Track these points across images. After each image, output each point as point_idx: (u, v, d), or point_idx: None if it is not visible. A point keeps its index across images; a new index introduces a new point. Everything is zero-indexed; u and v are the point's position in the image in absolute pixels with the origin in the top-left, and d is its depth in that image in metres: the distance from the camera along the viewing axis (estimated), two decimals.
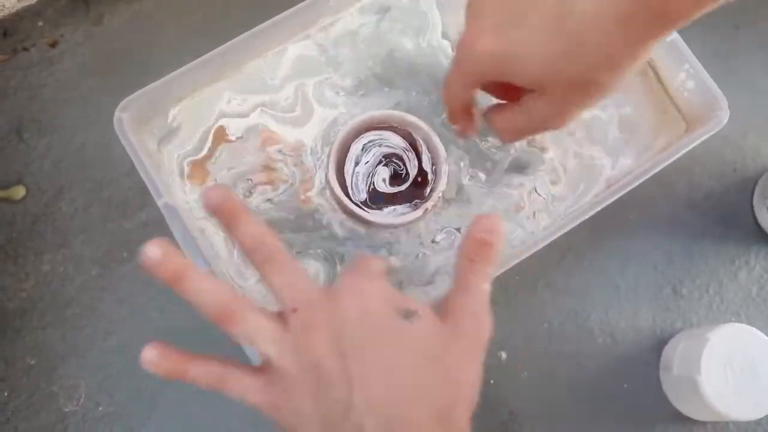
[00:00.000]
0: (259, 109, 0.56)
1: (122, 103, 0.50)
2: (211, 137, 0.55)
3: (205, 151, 0.54)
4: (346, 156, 0.53)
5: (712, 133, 0.52)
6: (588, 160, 0.56)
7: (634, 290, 0.59)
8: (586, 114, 0.56)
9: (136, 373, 0.56)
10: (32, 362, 0.56)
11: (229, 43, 0.53)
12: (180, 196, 0.53)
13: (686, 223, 0.61)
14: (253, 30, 0.53)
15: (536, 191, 0.55)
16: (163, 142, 0.54)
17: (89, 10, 0.64)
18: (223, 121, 0.55)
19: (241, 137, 0.55)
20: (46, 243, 0.59)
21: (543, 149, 0.56)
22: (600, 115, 0.57)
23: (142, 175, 0.48)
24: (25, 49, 0.63)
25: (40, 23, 0.63)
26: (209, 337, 0.56)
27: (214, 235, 0.53)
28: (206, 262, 0.47)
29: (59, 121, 0.61)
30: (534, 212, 0.55)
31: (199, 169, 0.54)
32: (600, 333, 0.58)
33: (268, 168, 0.54)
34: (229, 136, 0.55)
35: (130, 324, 0.57)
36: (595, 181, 0.56)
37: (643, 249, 0.60)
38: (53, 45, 0.62)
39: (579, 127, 0.57)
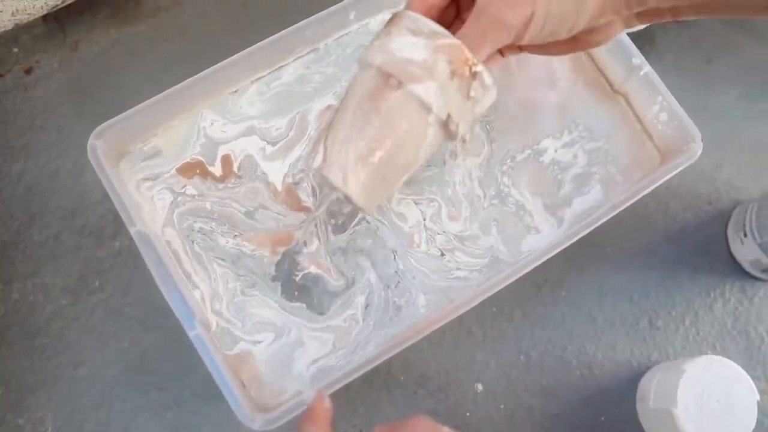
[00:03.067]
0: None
1: (96, 130, 0.49)
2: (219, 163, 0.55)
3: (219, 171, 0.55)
4: None
5: (685, 165, 0.53)
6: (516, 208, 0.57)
7: (610, 322, 0.59)
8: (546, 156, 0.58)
9: (106, 404, 0.55)
10: None
11: (207, 71, 0.52)
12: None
13: (662, 255, 0.61)
14: (231, 59, 0.53)
15: (425, 224, 0.56)
16: (139, 168, 0.54)
17: (65, 37, 0.63)
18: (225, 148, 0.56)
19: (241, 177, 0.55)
20: (16, 271, 0.58)
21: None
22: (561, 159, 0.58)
23: (115, 201, 0.48)
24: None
25: (16, 49, 0.63)
26: (180, 367, 0.56)
27: (188, 264, 0.52)
28: (179, 291, 0.47)
29: (33, 147, 0.60)
30: (442, 252, 0.55)
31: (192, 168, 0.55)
32: (577, 365, 0.58)
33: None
34: (234, 165, 0.55)
35: (101, 354, 0.56)
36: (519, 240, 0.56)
37: (620, 281, 0.60)
38: (28, 71, 0.62)
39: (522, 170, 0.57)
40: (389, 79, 0.39)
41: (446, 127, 0.40)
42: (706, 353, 0.59)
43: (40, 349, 0.56)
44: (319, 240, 0.54)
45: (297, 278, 0.53)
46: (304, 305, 0.53)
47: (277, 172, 0.56)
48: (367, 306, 0.53)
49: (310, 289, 0.53)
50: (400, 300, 0.54)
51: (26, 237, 0.58)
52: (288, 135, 0.56)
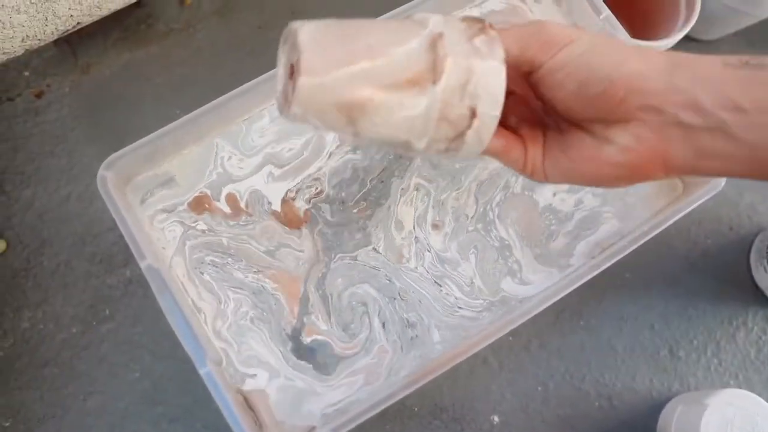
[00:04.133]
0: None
1: (106, 161, 0.48)
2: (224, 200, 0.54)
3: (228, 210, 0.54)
4: None
5: (709, 196, 0.51)
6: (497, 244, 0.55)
7: (630, 351, 0.58)
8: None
9: None
10: (7, 424, 0.54)
11: (219, 99, 0.51)
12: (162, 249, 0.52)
13: (683, 282, 0.60)
14: (244, 86, 0.52)
15: (416, 235, 0.54)
16: (151, 200, 0.53)
17: (77, 60, 0.63)
18: (230, 187, 0.55)
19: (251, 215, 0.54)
20: (27, 299, 0.57)
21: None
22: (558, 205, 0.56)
23: (125, 235, 0.47)
24: (10, 99, 0.61)
25: (26, 73, 0.62)
26: (192, 398, 0.55)
27: (194, 291, 0.51)
28: (191, 329, 0.46)
29: (43, 173, 0.60)
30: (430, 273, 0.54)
31: (202, 203, 0.54)
32: (596, 396, 0.57)
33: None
34: (240, 203, 0.54)
35: (111, 384, 0.55)
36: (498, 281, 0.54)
37: (640, 309, 0.59)
38: (39, 95, 0.61)
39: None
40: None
41: (434, 48, 0.35)
42: (729, 384, 0.57)
43: (50, 380, 0.55)
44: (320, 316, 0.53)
45: (306, 342, 0.52)
46: (311, 365, 0.51)
47: (279, 191, 0.55)
48: (384, 324, 0.52)
49: (317, 352, 0.52)
50: (410, 316, 0.52)
51: (36, 264, 0.58)
52: (303, 154, 0.55)
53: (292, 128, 0.55)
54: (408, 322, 0.52)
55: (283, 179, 0.55)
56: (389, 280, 0.53)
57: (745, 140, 0.33)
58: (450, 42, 0.34)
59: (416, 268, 0.53)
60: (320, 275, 0.53)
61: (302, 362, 0.51)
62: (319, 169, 0.55)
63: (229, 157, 0.54)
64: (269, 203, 0.54)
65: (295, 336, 0.51)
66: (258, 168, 0.55)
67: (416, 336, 0.52)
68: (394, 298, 0.52)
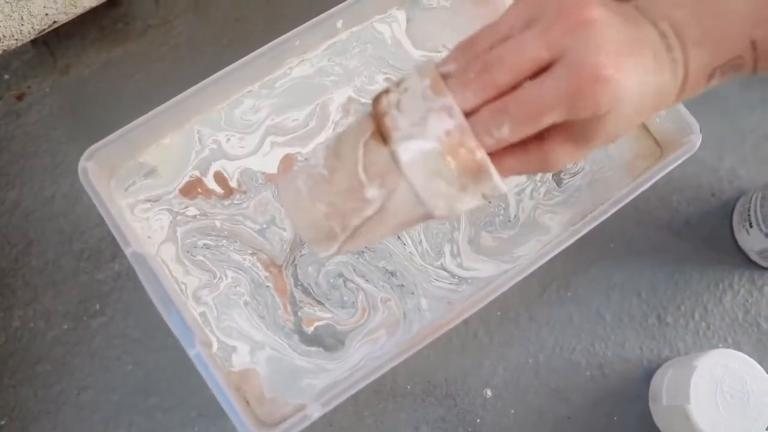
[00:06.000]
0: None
1: (87, 151, 0.49)
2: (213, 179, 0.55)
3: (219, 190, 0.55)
4: None
5: (684, 158, 0.52)
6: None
7: (618, 320, 0.58)
8: None
9: (112, 429, 0.55)
10: (2, 423, 0.54)
11: (197, 85, 0.52)
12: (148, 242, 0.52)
13: (668, 249, 0.60)
14: (220, 72, 0.52)
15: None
16: (135, 189, 0.54)
17: (56, 61, 0.63)
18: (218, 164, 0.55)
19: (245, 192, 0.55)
20: (16, 298, 0.57)
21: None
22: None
23: (109, 223, 0.47)
24: None
25: (6, 76, 0.63)
26: (185, 387, 0.55)
27: (183, 273, 0.52)
28: (177, 311, 0.46)
29: (27, 174, 0.60)
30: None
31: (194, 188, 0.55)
32: (587, 365, 0.57)
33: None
34: (230, 182, 0.55)
35: (104, 378, 0.56)
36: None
37: (626, 277, 0.59)
38: (20, 97, 0.62)
39: None
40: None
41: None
42: (718, 347, 0.58)
43: (43, 376, 0.55)
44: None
45: (309, 331, 0.52)
46: (321, 348, 0.52)
47: (283, 154, 0.56)
48: (365, 278, 0.53)
49: (323, 336, 0.53)
50: (385, 264, 0.53)
51: (24, 264, 0.58)
52: (308, 125, 0.56)
53: (290, 100, 0.57)
54: (386, 270, 0.53)
55: (288, 145, 0.56)
56: None
57: None
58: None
59: None
60: (293, 271, 0.53)
61: (312, 348, 0.52)
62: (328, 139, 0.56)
63: (228, 140, 0.55)
64: (263, 174, 0.54)
65: (297, 330, 0.52)
66: (260, 144, 0.56)
67: (402, 285, 0.53)
68: (362, 252, 0.53)
